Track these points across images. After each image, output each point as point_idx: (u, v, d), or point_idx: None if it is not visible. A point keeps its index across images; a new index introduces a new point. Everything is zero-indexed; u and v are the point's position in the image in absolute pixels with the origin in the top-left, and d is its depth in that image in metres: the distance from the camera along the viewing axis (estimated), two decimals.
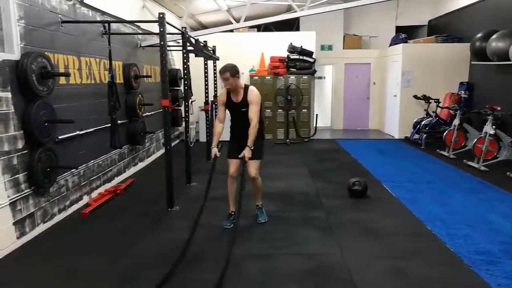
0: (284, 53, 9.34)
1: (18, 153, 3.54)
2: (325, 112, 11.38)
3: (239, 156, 3.72)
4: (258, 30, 10.63)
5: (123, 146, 5.71)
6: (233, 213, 4.03)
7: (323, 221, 4.14)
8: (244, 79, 9.31)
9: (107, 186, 5.27)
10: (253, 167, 3.88)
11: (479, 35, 7.69)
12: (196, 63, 7.36)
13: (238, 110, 3.84)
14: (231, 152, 3.94)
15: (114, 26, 5.59)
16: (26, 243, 3.59)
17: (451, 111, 8.25)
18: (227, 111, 3.97)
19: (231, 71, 3.72)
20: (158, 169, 5.78)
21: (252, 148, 3.70)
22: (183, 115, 5.83)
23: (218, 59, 8.12)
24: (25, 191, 3.63)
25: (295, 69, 9.25)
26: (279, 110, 9.22)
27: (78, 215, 4.32)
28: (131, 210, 4.51)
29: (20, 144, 3.57)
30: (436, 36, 9.63)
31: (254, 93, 3.80)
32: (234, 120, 4.00)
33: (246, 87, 3.84)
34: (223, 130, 3.94)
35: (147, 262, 3.23)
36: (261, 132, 3.94)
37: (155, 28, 4.93)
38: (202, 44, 6.82)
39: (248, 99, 3.78)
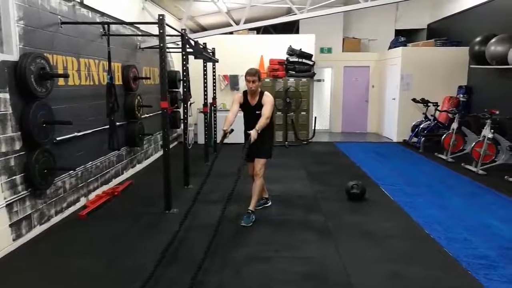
0: (284, 56, 9.35)
1: (16, 155, 3.52)
2: (324, 115, 11.38)
3: (248, 132, 4.01)
4: (258, 33, 10.64)
5: (121, 148, 5.69)
6: (249, 211, 4.15)
7: (322, 224, 4.13)
8: (242, 82, 9.32)
9: (105, 188, 5.25)
10: (259, 164, 4.19)
11: (478, 39, 7.72)
12: (195, 65, 7.36)
13: (253, 112, 4.16)
14: (247, 155, 4.16)
15: (113, 27, 5.58)
16: (22, 245, 3.56)
17: (449, 114, 8.26)
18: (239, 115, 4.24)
19: (259, 75, 4.13)
20: (156, 171, 5.76)
21: (259, 131, 3.92)
22: (182, 117, 5.82)
23: (217, 61, 8.13)
24: (22, 193, 3.61)
25: (294, 72, 9.26)
26: (278, 113, 9.21)
27: (75, 217, 4.30)
28: (129, 212, 4.49)
29: (17, 145, 3.55)
30: (435, 40, 9.66)
31: (269, 97, 4.17)
32: (248, 123, 4.26)
33: (262, 92, 4.19)
34: (234, 121, 4.16)
35: (145, 265, 3.21)
36: (272, 132, 4.39)
37: (154, 29, 4.93)
38: (201, 46, 6.82)
39: (263, 102, 4.13)
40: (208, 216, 4.19)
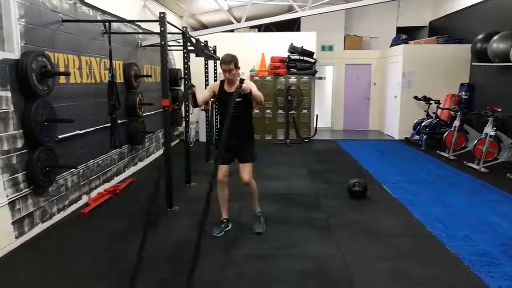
0: (285, 54, 9.33)
1: (18, 152, 3.53)
2: (326, 112, 11.37)
3: (242, 89, 3.31)
4: (259, 30, 10.62)
5: (123, 145, 5.70)
6: (225, 220, 3.84)
7: (323, 222, 4.13)
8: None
9: (107, 185, 5.26)
10: (245, 171, 3.68)
11: (480, 36, 7.69)
12: (196, 63, 7.34)
13: (231, 99, 3.26)
14: (221, 157, 3.62)
15: (114, 25, 5.58)
16: (25, 243, 3.58)
17: (451, 112, 8.24)
18: (217, 112, 3.74)
19: (236, 62, 3.55)
20: (158, 169, 5.77)
21: (250, 92, 3.37)
22: (183, 115, 5.82)
23: (218, 59, 8.12)
24: (24, 191, 3.62)
25: (295, 70, 9.24)
26: (279, 111, 9.21)
27: (78, 215, 4.31)
28: (131, 210, 4.50)
29: (19, 143, 3.55)
30: (437, 37, 9.62)
31: (250, 82, 3.60)
32: (225, 115, 3.46)
33: (242, 80, 3.49)
34: (199, 101, 3.70)
35: (146, 262, 3.21)
36: (253, 134, 3.82)
37: (155, 27, 4.92)
38: (202, 44, 6.81)
39: (244, 87, 3.41)
40: (210, 214, 4.17)
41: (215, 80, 8.18)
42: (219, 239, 3.67)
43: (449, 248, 3.46)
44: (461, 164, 6.68)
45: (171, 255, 3.32)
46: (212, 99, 3.97)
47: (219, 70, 8.55)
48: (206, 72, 7.34)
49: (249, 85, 3.50)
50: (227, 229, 3.81)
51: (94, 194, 4.91)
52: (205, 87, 7.24)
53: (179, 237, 3.73)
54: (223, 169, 3.70)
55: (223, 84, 3.72)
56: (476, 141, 6.54)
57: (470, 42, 8.22)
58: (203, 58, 7.28)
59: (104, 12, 5.31)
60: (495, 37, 7.11)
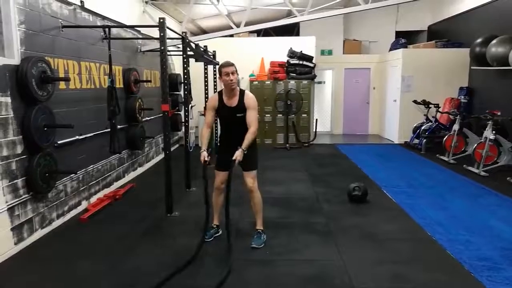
0: (284, 58, 9.36)
1: (17, 158, 3.53)
2: (325, 117, 11.38)
3: (233, 159, 3.32)
4: (258, 35, 10.66)
5: (123, 151, 5.70)
6: (215, 226, 3.82)
7: (323, 226, 4.12)
8: (244, 84, 9.33)
9: (106, 191, 5.25)
10: (250, 177, 3.61)
11: (479, 40, 7.72)
12: (196, 68, 7.36)
13: (233, 115, 3.52)
14: (220, 163, 3.66)
15: (114, 31, 5.59)
16: (24, 249, 3.56)
17: (451, 116, 8.25)
18: (218, 121, 3.69)
19: (235, 66, 3.50)
20: (158, 174, 5.76)
21: (246, 152, 3.35)
22: (183, 120, 5.83)
23: (218, 64, 8.13)
24: (24, 197, 3.61)
25: (295, 74, 9.26)
26: (278, 115, 9.22)
27: (77, 221, 4.30)
28: (130, 216, 4.49)
29: (19, 149, 3.55)
30: (436, 41, 9.65)
31: (252, 98, 3.55)
32: (227, 128, 3.68)
33: (242, 92, 3.57)
34: (210, 134, 3.67)
35: (146, 268, 3.21)
36: (254, 142, 3.61)
37: (155, 33, 4.94)
38: (202, 49, 6.83)
39: (245, 103, 3.50)
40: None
41: (215, 86, 8.18)
42: (219, 244, 3.66)
43: (449, 252, 3.45)
44: (461, 168, 6.68)
45: (172, 261, 3.30)
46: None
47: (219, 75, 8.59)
48: (206, 77, 7.36)
49: (250, 103, 3.50)
50: (216, 235, 3.80)
51: (93, 199, 4.90)
52: (205, 92, 7.26)
53: (179, 242, 3.72)
54: (220, 176, 3.68)
55: (222, 96, 3.57)
56: (475, 144, 6.54)
57: (469, 46, 8.24)
58: (202, 63, 7.29)
59: (104, 17, 5.33)
60: (494, 41, 7.13)
